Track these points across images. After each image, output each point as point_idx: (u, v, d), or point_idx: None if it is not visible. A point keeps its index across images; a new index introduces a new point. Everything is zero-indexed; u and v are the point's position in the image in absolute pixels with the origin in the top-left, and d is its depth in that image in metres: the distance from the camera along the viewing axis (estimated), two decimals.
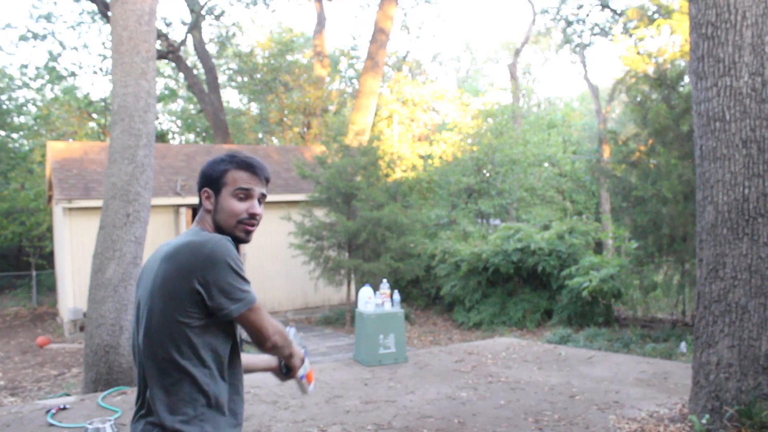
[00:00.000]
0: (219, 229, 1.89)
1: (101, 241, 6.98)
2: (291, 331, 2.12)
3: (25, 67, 23.26)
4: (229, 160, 1.93)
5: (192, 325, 1.75)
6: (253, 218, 1.91)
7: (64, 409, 5.52)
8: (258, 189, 1.94)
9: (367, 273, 10.94)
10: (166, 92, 25.49)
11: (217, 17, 20.72)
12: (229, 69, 24.88)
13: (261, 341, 1.89)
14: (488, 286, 12.13)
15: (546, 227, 13.94)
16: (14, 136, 24.09)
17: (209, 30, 22.38)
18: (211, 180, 1.93)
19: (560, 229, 12.00)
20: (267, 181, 1.99)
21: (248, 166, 1.94)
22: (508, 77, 29.05)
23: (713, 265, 4.43)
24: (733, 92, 4.33)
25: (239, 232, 1.90)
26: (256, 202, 1.93)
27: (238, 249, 1.92)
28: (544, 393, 5.75)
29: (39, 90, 24.06)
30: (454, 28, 50.63)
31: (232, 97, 30.69)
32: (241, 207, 1.89)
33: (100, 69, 21.78)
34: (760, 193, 4.27)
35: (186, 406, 1.75)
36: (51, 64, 21.28)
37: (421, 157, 19.03)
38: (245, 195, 1.91)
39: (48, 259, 18.68)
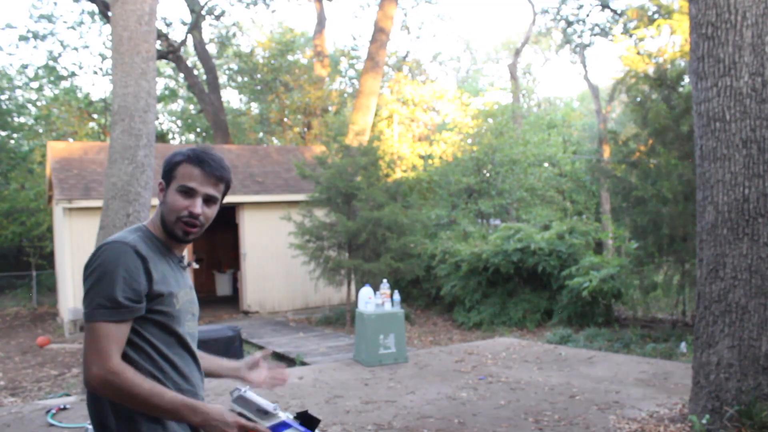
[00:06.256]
0: (164, 223, 1.84)
1: (101, 242, 6.98)
2: (240, 393, 1.78)
3: (25, 67, 23.24)
4: (186, 152, 1.86)
5: None
6: (193, 218, 1.82)
7: (64, 409, 5.52)
8: (204, 189, 1.84)
9: (368, 273, 10.94)
10: (167, 92, 25.49)
11: (218, 17, 20.73)
12: (229, 69, 24.88)
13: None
14: (488, 287, 12.12)
15: (546, 227, 13.92)
16: (14, 136, 24.08)
17: (209, 30, 22.40)
18: (165, 171, 1.87)
19: (560, 230, 11.99)
20: (223, 182, 1.89)
21: (199, 163, 1.84)
22: (508, 77, 29.06)
23: (713, 265, 4.43)
24: (734, 92, 4.33)
25: (178, 230, 1.83)
26: (198, 201, 1.83)
27: (180, 248, 1.91)
28: (544, 393, 5.75)
29: (39, 90, 24.07)
30: (454, 28, 50.65)
31: (232, 97, 30.72)
32: (181, 203, 1.81)
33: (100, 69, 21.82)
34: (760, 193, 4.27)
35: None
36: (51, 64, 21.28)
37: (421, 157, 19.02)
38: (187, 193, 1.82)
39: (48, 259, 18.66)
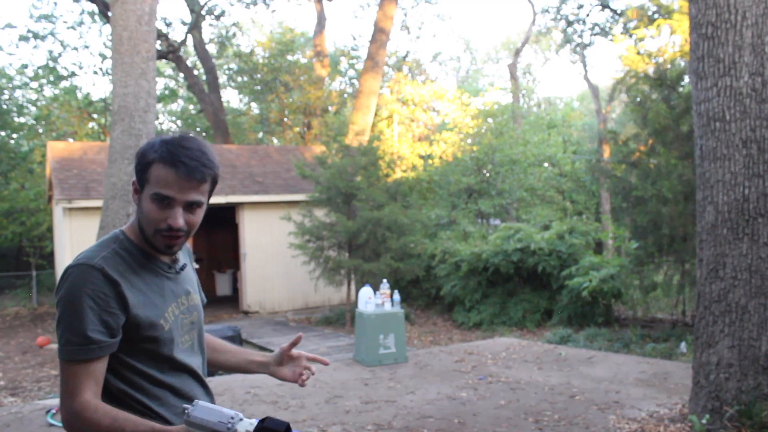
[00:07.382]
0: (142, 232, 1.59)
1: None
2: (195, 407, 1.43)
3: (25, 67, 23.25)
4: (159, 148, 1.54)
5: None
6: (174, 230, 1.55)
7: None
8: (183, 196, 1.53)
9: (367, 273, 10.94)
10: (166, 92, 25.49)
11: (218, 17, 20.73)
12: (229, 69, 24.89)
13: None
14: (488, 286, 12.12)
15: (546, 227, 13.92)
16: (14, 136, 24.09)
17: (209, 30, 22.42)
18: (137, 171, 1.58)
19: (560, 229, 11.99)
20: (207, 180, 1.57)
21: (174, 164, 1.51)
22: (508, 77, 29.06)
23: (713, 265, 4.43)
24: (733, 92, 4.33)
25: (158, 243, 1.57)
26: (177, 211, 1.54)
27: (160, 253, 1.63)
28: (544, 393, 5.75)
29: (39, 90, 24.08)
30: (454, 28, 50.68)
31: (232, 97, 30.76)
32: (158, 215, 1.54)
33: (100, 69, 21.81)
34: (760, 193, 4.27)
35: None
36: (51, 64, 21.29)
37: (421, 157, 19.03)
38: (163, 202, 1.53)
39: (48, 259, 18.67)
